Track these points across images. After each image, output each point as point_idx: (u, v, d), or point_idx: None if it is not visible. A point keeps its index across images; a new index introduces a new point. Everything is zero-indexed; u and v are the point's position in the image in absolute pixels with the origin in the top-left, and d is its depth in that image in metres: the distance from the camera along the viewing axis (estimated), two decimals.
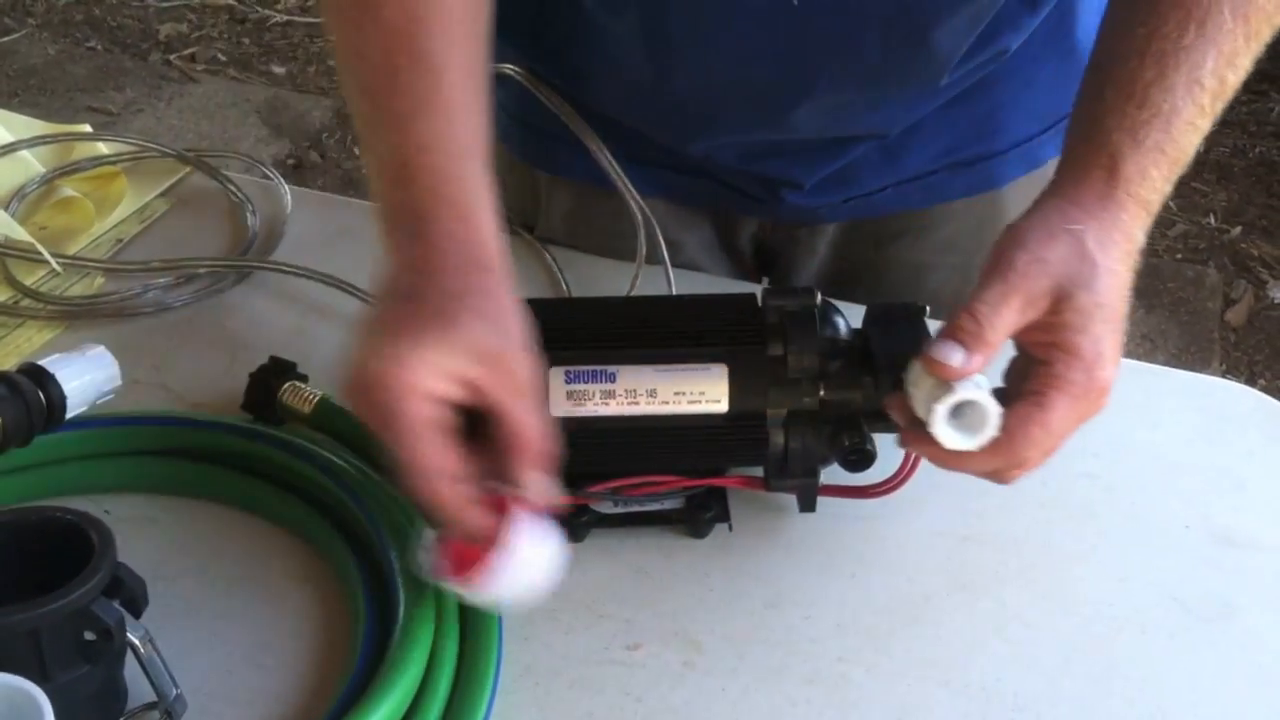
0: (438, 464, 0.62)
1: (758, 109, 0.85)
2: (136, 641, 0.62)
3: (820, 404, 0.72)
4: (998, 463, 0.66)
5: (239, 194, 1.02)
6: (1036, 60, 0.88)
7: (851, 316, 0.75)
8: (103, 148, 1.05)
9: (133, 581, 0.63)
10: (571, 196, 0.98)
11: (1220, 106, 0.69)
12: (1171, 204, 2.59)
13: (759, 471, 0.74)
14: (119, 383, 0.74)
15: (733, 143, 0.89)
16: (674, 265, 0.91)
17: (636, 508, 0.75)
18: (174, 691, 0.63)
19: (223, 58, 3.11)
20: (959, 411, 0.64)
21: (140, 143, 1.06)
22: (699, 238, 0.99)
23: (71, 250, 0.95)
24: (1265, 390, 0.89)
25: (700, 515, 0.75)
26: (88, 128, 1.08)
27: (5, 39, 3.13)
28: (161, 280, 0.92)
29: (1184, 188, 2.75)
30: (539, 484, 0.63)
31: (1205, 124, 0.68)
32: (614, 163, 0.90)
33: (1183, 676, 0.69)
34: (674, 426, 0.72)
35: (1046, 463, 0.70)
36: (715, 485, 0.76)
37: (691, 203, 0.97)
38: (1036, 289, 0.64)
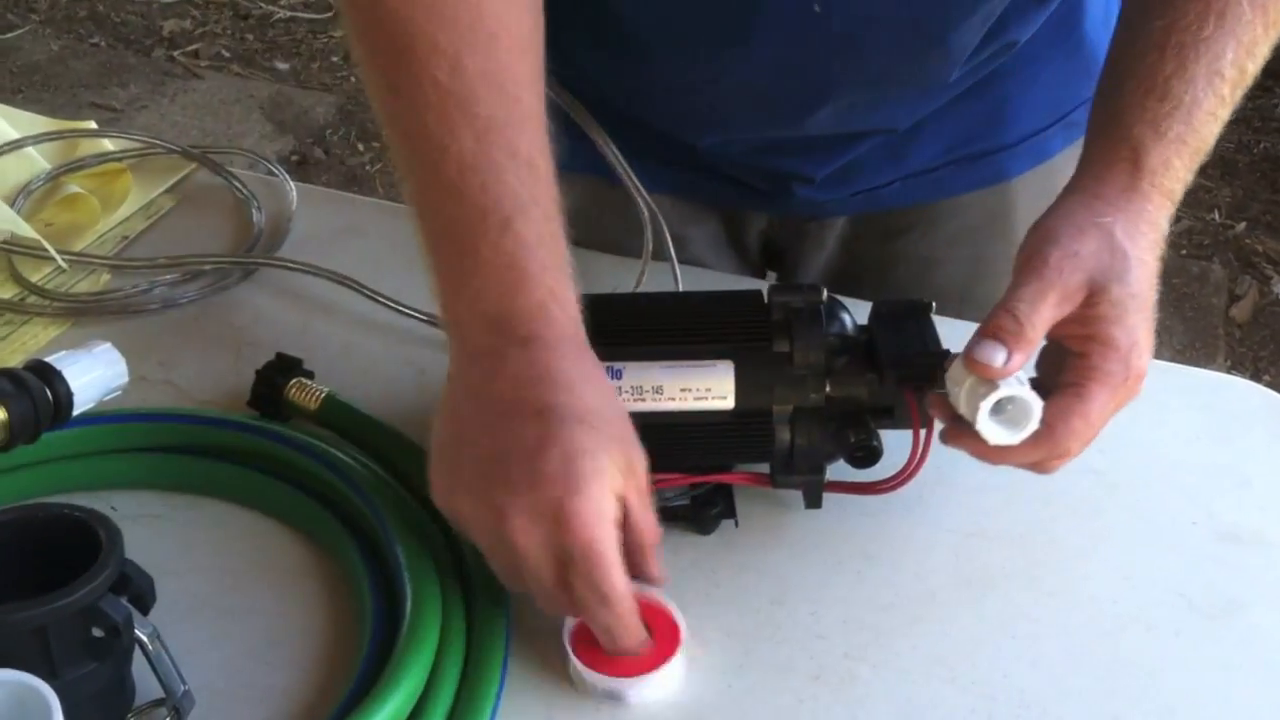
0: (624, 587, 0.62)
1: (772, 111, 0.86)
2: (144, 638, 0.62)
3: (826, 400, 0.72)
4: (1040, 454, 0.67)
5: (244, 190, 1.02)
6: (1043, 55, 0.89)
7: (857, 313, 0.75)
8: (108, 144, 1.05)
9: (140, 578, 0.63)
10: (577, 192, 0.98)
11: (1240, 95, 0.70)
12: None
13: (765, 468, 0.74)
14: (125, 379, 0.74)
15: (744, 139, 0.89)
16: (680, 261, 0.91)
17: None
18: (181, 688, 0.63)
19: (226, 54, 3.11)
20: (1000, 407, 0.65)
21: (145, 139, 1.06)
22: (706, 234, 0.99)
23: (77, 247, 0.95)
24: (1270, 386, 0.89)
25: (706, 512, 0.75)
26: (93, 124, 1.08)
27: (9, 35, 3.13)
28: (167, 277, 0.93)
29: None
30: (659, 575, 0.65)
31: (1225, 113, 0.69)
32: (620, 158, 0.90)
33: (1189, 673, 0.69)
34: (680, 423, 0.72)
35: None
36: (721, 482, 0.76)
37: (700, 199, 0.97)
38: (1072, 284, 0.65)
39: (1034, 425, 0.65)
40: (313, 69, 3.07)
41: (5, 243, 0.94)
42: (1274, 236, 2.60)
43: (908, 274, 0.98)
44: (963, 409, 0.67)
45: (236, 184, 1.02)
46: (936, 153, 0.92)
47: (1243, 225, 2.62)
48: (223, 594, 0.71)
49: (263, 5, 3.27)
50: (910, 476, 0.74)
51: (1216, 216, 2.63)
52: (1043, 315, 0.65)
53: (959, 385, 0.67)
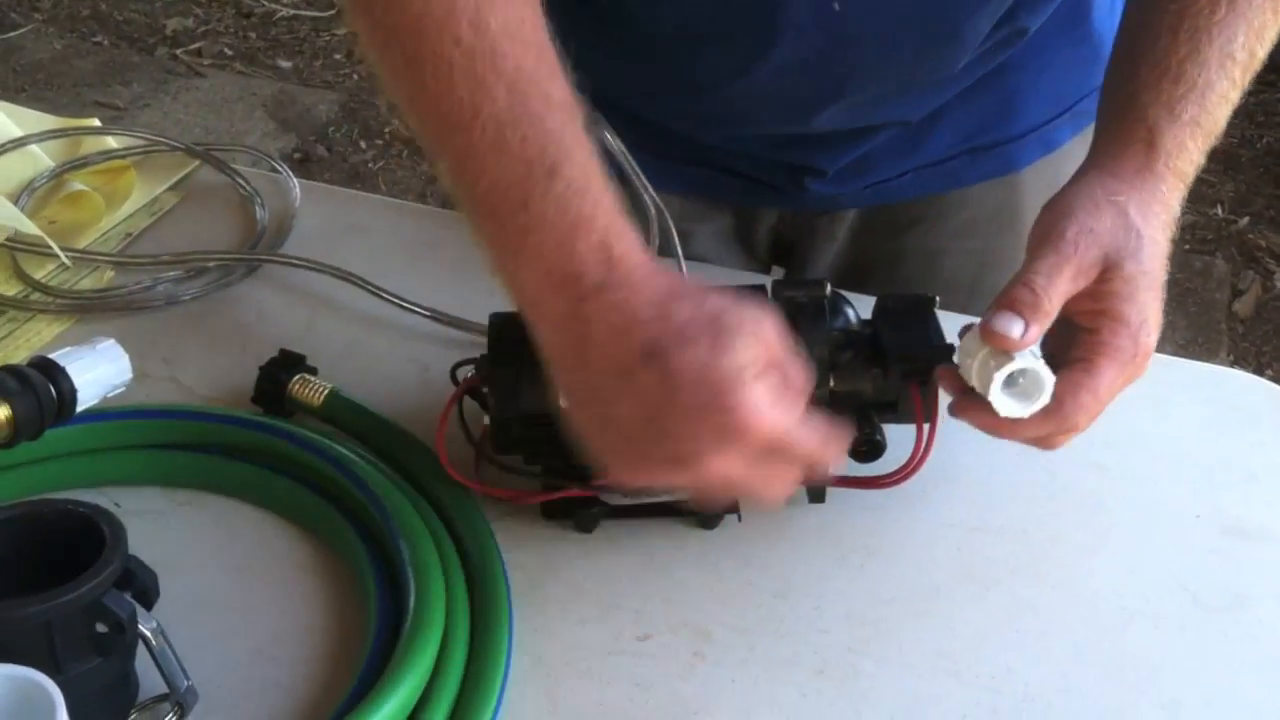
0: (821, 441, 0.62)
1: (787, 108, 0.86)
2: (148, 633, 0.62)
3: (830, 395, 0.71)
4: (1049, 428, 0.67)
5: (248, 187, 1.02)
6: (1052, 46, 0.89)
7: (862, 308, 0.75)
8: (111, 142, 1.05)
9: (144, 574, 0.63)
10: None
11: (1249, 79, 0.71)
12: None
13: None
14: (129, 376, 0.74)
15: (757, 135, 0.90)
16: (686, 258, 0.91)
17: (646, 499, 0.75)
18: (185, 683, 0.63)
19: (229, 52, 3.11)
20: (1013, 380, 0.66)
21: (149, 137, 1.06)
22: (715, 230, 1.00)
23: (81, 244, 0.95)
24: (1274, 380, 0.89)
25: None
26: (96, 122, 1.08)
27: (12, 34, 3.13)
28: (171, 274, 0.93)
29: None
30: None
31: (1236, 96, 0.70)
32: (627, 154, 0.89)
33: (1194, 667, 0.69)
34: None
35: (1057, 452, 0.70)
36: None
37: (711, 196, 0.97)
38: (1087, 259, 0.66)
39: (1045, 398, 0.66)
40: (315, 67, 3.07)
41: (9, 240, 0.94)
42: (1277, 231, 2.59)
43: (916, 267, 0.98)
44: (974, 381, 0.67)
45: (240, 181, 1.02)
46: (948, 144, 0.93)
47: (1246, 220, 2.61)
48: (227, 590, 0.72)
49: (265, 3, 3.27)
50: (914, 471, 0.74)
51: (1220, 211, 2.63)
52: (1059, 288, 0.66)
53: (972, 357, 0.68)
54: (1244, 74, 0.70)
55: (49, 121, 1.07)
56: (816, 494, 0.76)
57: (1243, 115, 2.79)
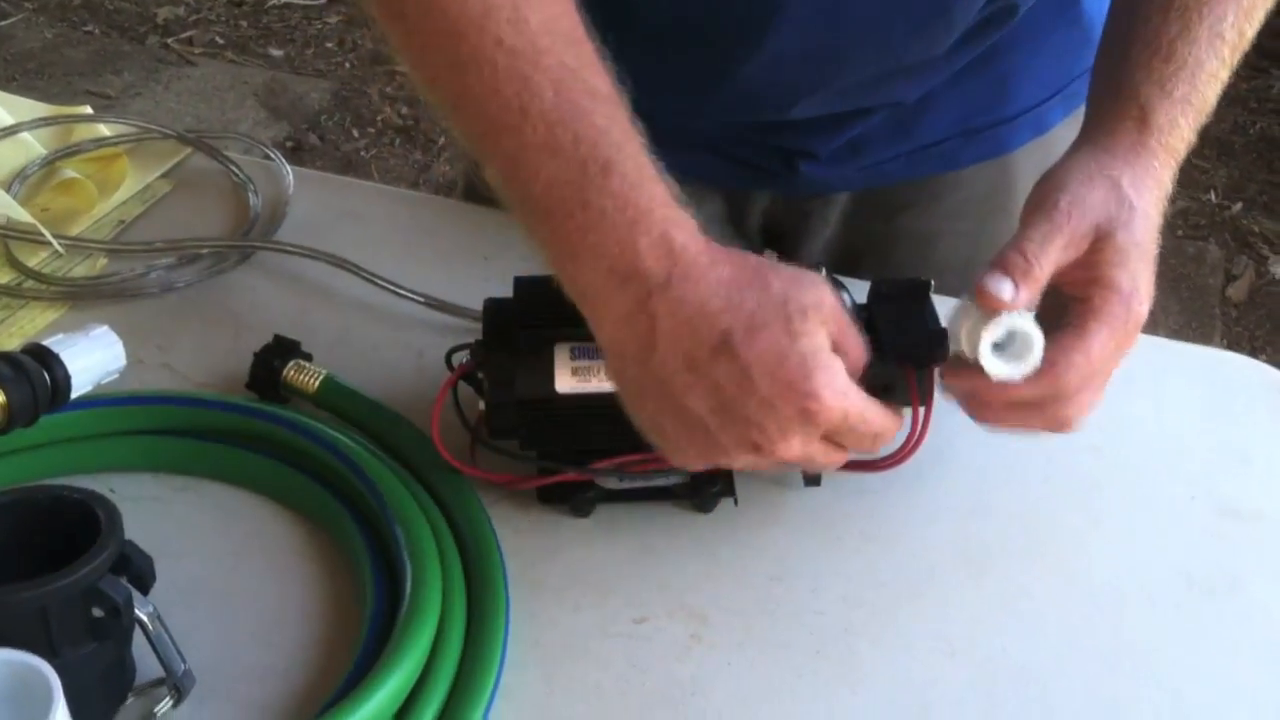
0: (886, 419, 0.65)
1: (781, 95, 0.86)
2: (144, 618, 0.62)
3: None
4: (1041, 391, 0.66)
5: (241, 174, 1.01)
6: (1044, 28, 0.90)
7: (856, 292, 0.75)
8: (104, 129, 1.05)
9: (140, 559, 0.63)
10: None
11: (1237, 59, 0.71)
12: None
13: None
14: (123, 363, 0.74)
15: (748, 120, 0.90)
16: None
17: (642, 483, 0.75)
18: (182, 667, 0.63)
19: (220, 41, 3.10)
20: (1003, 344, 0.66)
21: (141, 124, 1.06)
22: (706, 214, 0.99)
23: (74, 232, 0.95)
24: (1267, 365, 0.89)
25: (705, 490, 0.75)
26: (88, 109, 1.08)
27: (2, 23, 3.12)
28: (165, 261, 0.92)
29: (1185, 164, 2.74)
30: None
31: (1225, 75, 0.71)
32: None
33: (1188, 649, 0.69)
34: None
35: (1052, 436, 0.70)
36: None
37: (703, 180, 0.97)
38: (1080, 229, 0.66)
39: (1036, 358, 0.66)
40: (307, 55, 3.06)
41: (1, 228, 0.94)
42: (1270, 217, 2.60)
43: (909, 250, 0.98)
44: (964, 345, 0.68)
45: (233, 168, 1.02)
46: (941, 127, 0.93)
47: (1239, 206, 2.62)
48: (223, 575, 0.71)
49: None
50: (909, 454, 0.74)
51: (1213, 197, 2.63)
52: (1050, 256, 0.66)
53: (966, 317, 0.68)
54: (1233, 53, 0.71)
55: (41, 109, 1.07)
56: (812, 478, 0.76)
57: (1236, 102, 2.80)
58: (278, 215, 0.98)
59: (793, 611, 0.70)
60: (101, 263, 0.93)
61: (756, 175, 0.95)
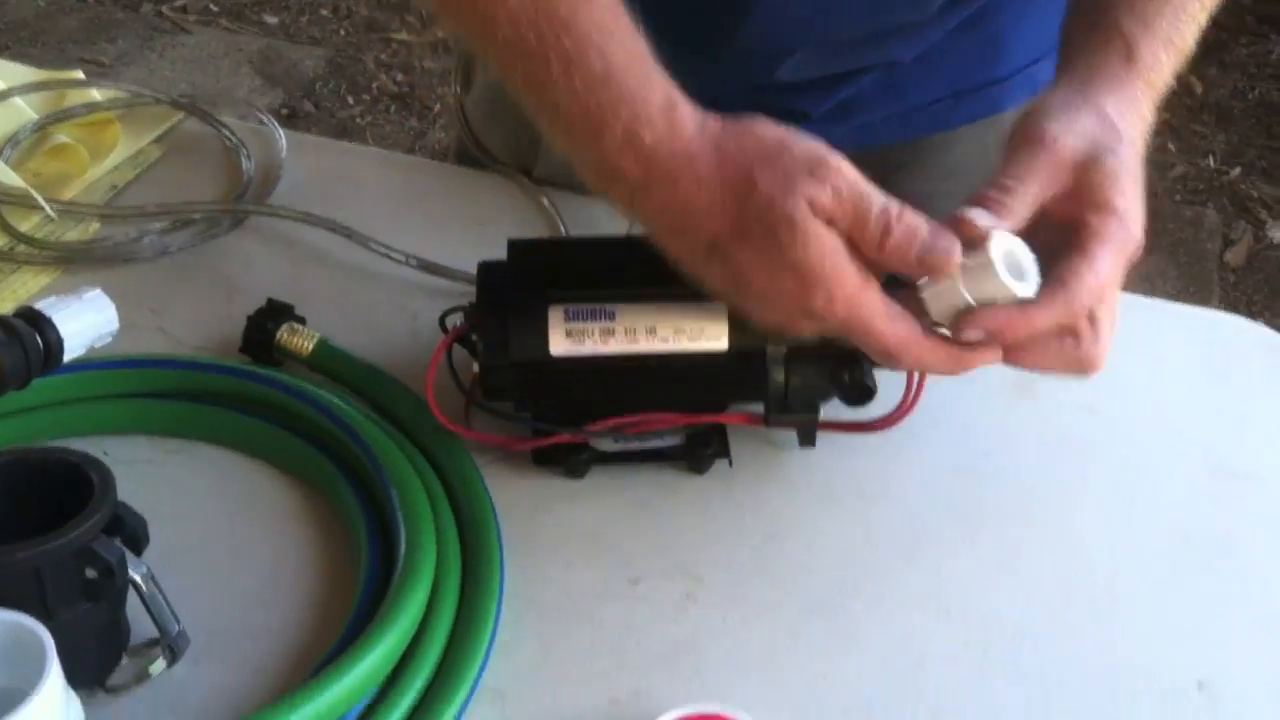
0: (896, 334, 0.63)
1: (767, 58, 0.85)
2: (138, 579, 0.62)
3: (820, 340, 0.71)
4: (1058, 312, 0.64)
5: (233, 139, 1.01)
6: None
7: None
8: (95, 94, 1.04)
9: (133, 520, 0.63)
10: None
11: (1214, 5, 0.72)
12: (1171, 145, 2.58)
13: (759, 408, 0.74)
14: (116, 326, 0.74)
15: (738, 83, 0.89)
16: None
17: (637, 445, 0.75)
18: (176, 628, 0.63)
19: (215, 8, 3.08)
20: (1001, 266, 0.64)
21: (133, 89, 1.05)
22: None
23: (66, 196, 0.95)
24: None
25: (700, 451, 0.75)
26: (80, 74, 1.07)
27: None
28: (157, 225, 0.92)
29: (1183, 130, 2.73)
30: (940, 244, 0.64)
31: (1203, 19, 0.72)
32: None
33: (1183, 607, 0.69)
34: (674, 364, 0.72)
35: (1047, 395, 0.70)
36: (715, 422, 0.76)
37: None
38: (1064, 157, 0.66)
39: (1034, 272, 0.64)
40: (301, 22, 3.04)
41: None
42: (1269, 182, 2.59)
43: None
44: (963, 289, 0.64)
45: (225, 132, 1.02)
46: (934, 87, 0.92)
47: (1238, 170, 2.61)
48: (217, 537, 0.72)
49: None
50: (904, 414, 0.74)
51: (1211, 162, 2.62)
52: (1031, 188, 0.65)
53: (932, 287, 0.65)
54: None
55: (32, 74, 1.06)
56: (807, 438, 0.76)
57: (1235, 67, 2.79)
58: (270, 179, 0.97)
59: (787, 571, 0.70)
60: (94, 227, 0.93)
61: None
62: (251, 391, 0.76)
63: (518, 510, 0.72)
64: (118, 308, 0.74)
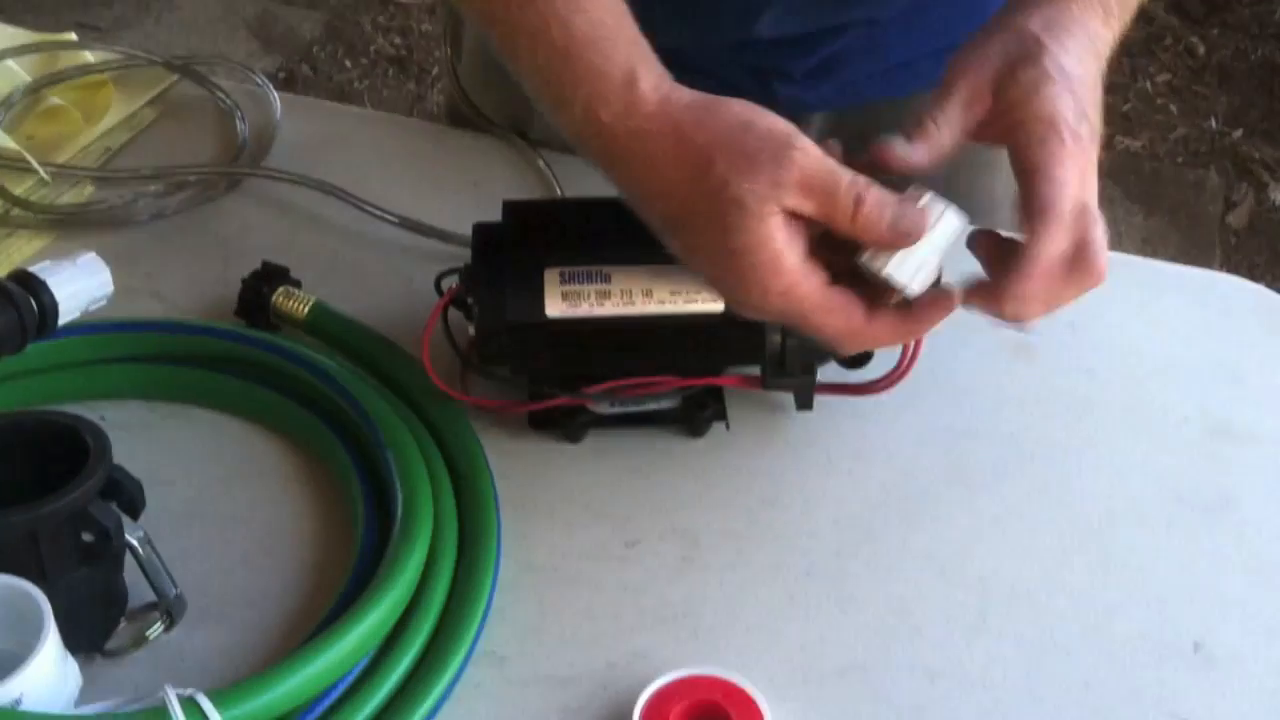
0: (847, 324, 0.63)
1: (746, 12, 0.84)
2: (135, 542, 0.62)
3: None
4: (1050, 236, 0.62)
5: (228, 101, 1.00)
6: None
7: None
8: (89, 56, 1.03)
9: (130, 484, 0.63)
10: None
11: None
12: (1172, 107, 2.57)
13: (756, 370, 0.74)
14: (111, 289, 0.73)
15: (718, 40, 0.88)
16: None
17: (634, 408, 0.75)
18: (173, 591, 0.63)
19: None
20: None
21: (126, 51, 1.04)
22: None
23: (60, 159, 0.94)
24: None
25: (697, 414, 0.75)
26: (73, 36, 1.06)
27: None
28: (152, 188, 0.91)
29: (1185, 91, 2.72)
30: (907, 219, 0.64)
31: None
32: None
33: (1179, 567, 0.70)
34: (670, 326, 0.71)
35: (1045, 356, 0.70)
36: (712, 385, 0.75)
37: None
38: (978, 79, 0.65)
39: (953, 211, 0.64)
40: None
41: None
42: (1271, 143, 2.58)
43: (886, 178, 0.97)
44: (886, 267, 0.63)
45: (220, 94, 1.01)
46: (917, 44, 0.91)
47: (1240, 133, 2.60)
48: (214, 501, 0.71)
49: None
50: (901, 377, 0.74)
51: (1213, 124, 2.61)
52: (948, 113, 0.65)
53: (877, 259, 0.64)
54: None
55: (24, 37, 1.05)
56: (804, 401, 0.76)
57: (1238, 28, 2.77)
58: (265, 142, 0.97)
59: (784, 533, 0.70)
60: (88, 190, 0.92)
61: (730, 95, 0.94)
62: (247, 355, 0.76)
63: (515, 474, 0.72)
64: (112, 271, 0.73)
